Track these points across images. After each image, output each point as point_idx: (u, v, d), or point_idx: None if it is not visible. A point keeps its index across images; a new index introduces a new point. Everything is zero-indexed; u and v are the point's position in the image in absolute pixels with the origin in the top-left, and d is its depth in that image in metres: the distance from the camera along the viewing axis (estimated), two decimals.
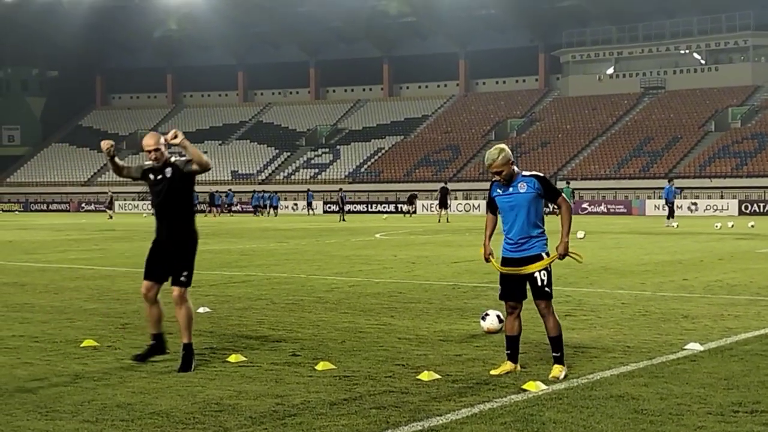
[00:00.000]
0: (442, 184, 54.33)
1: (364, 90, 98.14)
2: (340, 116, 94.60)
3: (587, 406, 6.57)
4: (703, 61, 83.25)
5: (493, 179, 7.88)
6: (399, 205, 73.31)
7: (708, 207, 62.99)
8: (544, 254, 7.81)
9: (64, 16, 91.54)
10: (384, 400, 6.79)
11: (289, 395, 6.99)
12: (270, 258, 21.53)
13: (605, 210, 65.25)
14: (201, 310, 11.82)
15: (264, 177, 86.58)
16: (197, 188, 9.78)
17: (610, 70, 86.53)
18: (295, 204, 76.52)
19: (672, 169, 70.64)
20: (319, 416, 6.34)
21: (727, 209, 60.44)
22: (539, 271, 7.75)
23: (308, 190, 74.55)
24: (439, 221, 48.33)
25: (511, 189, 7.78)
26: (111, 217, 57.94)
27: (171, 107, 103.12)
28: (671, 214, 41.78)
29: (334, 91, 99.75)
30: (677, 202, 52.01)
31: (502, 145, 7.87)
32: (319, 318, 11.20)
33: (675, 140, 74.15)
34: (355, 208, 71.88)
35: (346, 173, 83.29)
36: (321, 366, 8.03)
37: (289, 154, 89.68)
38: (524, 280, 7.86)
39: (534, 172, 7.91)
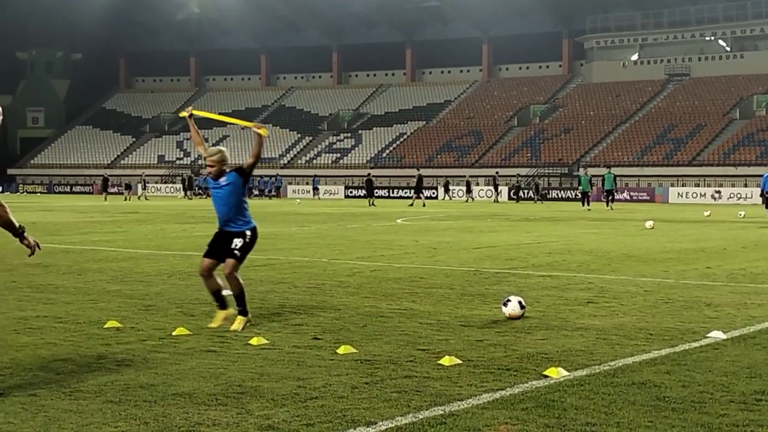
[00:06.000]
0: (418, 172, 56.67)
1: (386, 75, 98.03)
2: (363, 101, 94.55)
3: (609, 392, 6.56)
4: (728, 48, 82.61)
5: (208, 170, 9.53)
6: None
7: (732, 195, 62.65)
8: (245, 231, 9.47)
9: None
10: (405, 385, 6.80)
11: (310, 378, 7.01)
12: (291, 242, 21.58)
13: (628, 197, 64.98)
14: (224, 293, 11.84)
15: (286, 161, 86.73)
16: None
17: (635, 57, 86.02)
18: (316, 189, 76.74)
19: (695, 156, 70.25)
20: (340, 399, 6.35)
21: (751, 197, 60.00)
22: (235, 238, 9.40)
23: (315, 175, 75.92)
24: (412, 205, 50.51)
25: (219, 182, 9.45)
26: (137, 199, 58.20)
27: (194, 90, 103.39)
28: None
29: (356, 75, 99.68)
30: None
31: (222, 147, 9.63)
32: (341, 302, 11.22)
33: (699, 128, 73.68)
34: (377, 193, 71.94)
35: (368, 158, 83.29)
36: (342, 350, 8.04)
37: (311, 138, 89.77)
38: (226, 242, 9.45)
39: (235, 167, 9.51)
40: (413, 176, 77.21)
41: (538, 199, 64.10)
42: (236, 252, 9.36)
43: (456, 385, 6.77)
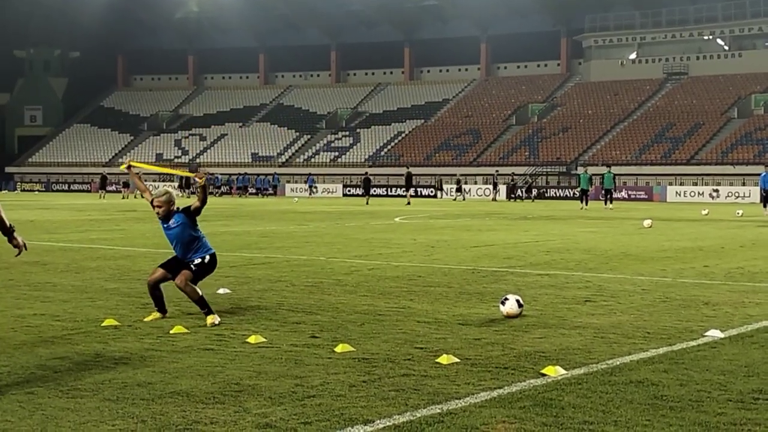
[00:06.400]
0: (408, 170, 57.32)
1: (384, 73, 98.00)
2: (361, 99, 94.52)
3: (606, 391, 6.56)
4: (726, 47, 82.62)
5: (156, 211, 9.91)
6: (419, 189, 73.63)
7: (730, 194, 62.67)
8: (197, 259, 9.86)
9: None
10: (403, 383, 6.80)
11: (308, 377, 7.00)
12: (289, 240, 21.57)
13: (626, 196, 64.98)
14: (221, 291, 11.86)
15: (284, 160, 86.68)
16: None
17: (633, 55, 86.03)
18: (315, 187, 76.79)
19: (694, 155, 70.27)
20: (338, 398, 6.35)
21: (749, 196, 60.07)
22: (196, 260, 9.83)
23: (309, 174, 76.54)
24: (409, 203, 50.63)
25: (169, 224, 9.87)
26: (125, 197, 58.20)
27: (192, 89, 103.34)
28: None
29: (354, 74, 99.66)
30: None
31: (168, 189, 9.96)
32: (339, 300, 11.22)
33: (697, 126, 73.70)
34: (375, 191, 72.02)
35: (366, 157, 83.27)
36: (340, 348, 8.04)
37: (309, 137, 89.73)
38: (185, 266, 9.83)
39: (183, 207, 9.91)
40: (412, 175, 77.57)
41: (527, 197, 64.08)
42: (193, 267, 9.81)
43: (454, 384, 6.77)
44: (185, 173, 11.03)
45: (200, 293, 9.67)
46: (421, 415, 5.89)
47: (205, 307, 9.61)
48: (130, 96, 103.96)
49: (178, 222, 9.84)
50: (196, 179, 9.97)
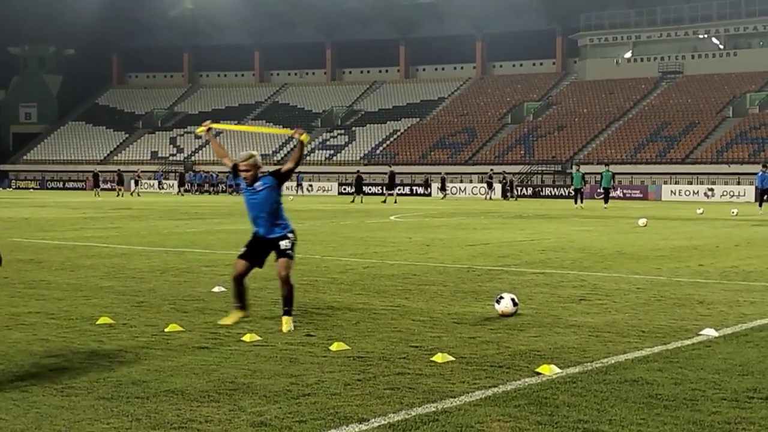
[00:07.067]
0: (390, 169, 58.46)
1: (380, 72, 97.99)
2: (356, 98, 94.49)
3: (601, 390, 6.56)
4: (721, 46, 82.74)
5: (243, 176, 9.21)
6: (414, 188, 73.63)
7: (725, 193, 62.77)
8: (287, 234, 9.27)
9: None
10: (398, 382, 6.79)
11: (303, 375, 7.00)
12: None
13: (621, 195, 65.02)
14: (216, 289, 11.86)
15: (280, 157, 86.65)
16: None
17: (628, 54, 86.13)
18: (310, 185, 76.76)
19: (689, 154, 70.35)
20: (333, 396, 6.35)
21: (744, 195, 60.16)
22: (281, 240, 9.20)
23: (300, 172, 76.39)
24: (385, 202, 51.15)
25: (255, 186, 9.22)
26: (135, 195, 58.12)
27: (187, 87, 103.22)
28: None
29: (350, 72, 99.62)
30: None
31: (253, 152, 9.25)
32: (334, 299, 11.22)
33: (692, 125, 73.79)
34: (370, 190, 72.00)
35: (362, 155, 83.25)
36: (335, 346, 8.04)
37: None
38: (268, 248, 9.29)
39: (273, 170, 9.32)
40: (407, 173, 77.56)
41: (510, 196, 63.92)
42: (288, 252, 9.19)
43: (448, 382, 6.77)
44: (284, 131, 10.21)
45: (294, 289, 9.22)
46: (416, 414, 5.89)
47: (290, 306, 9.10)
48: (125, 94, 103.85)
49: (266, 185, 9.15)
50: (296, 136, 9.29)
